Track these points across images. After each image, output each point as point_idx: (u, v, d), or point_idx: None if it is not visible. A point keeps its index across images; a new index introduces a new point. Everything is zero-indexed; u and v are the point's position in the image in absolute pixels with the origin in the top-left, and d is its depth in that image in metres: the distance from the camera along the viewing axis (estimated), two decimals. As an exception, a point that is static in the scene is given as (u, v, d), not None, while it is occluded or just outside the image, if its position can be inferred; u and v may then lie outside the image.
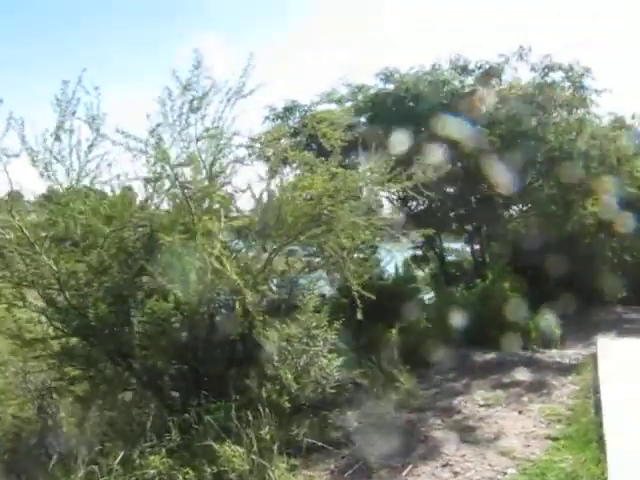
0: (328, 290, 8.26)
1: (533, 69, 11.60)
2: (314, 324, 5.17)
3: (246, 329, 4.88)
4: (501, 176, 11.40)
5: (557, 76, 11.31)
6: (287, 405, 4.61)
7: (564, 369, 7.20)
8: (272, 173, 5.42)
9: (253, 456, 4.02)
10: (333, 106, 12.38)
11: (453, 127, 11.26)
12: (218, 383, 5.17)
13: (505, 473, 4.29)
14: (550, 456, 4.50)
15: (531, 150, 10.89)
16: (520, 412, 5.57)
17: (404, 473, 4.30)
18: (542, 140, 10.89)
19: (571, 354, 8.24)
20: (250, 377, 5.01)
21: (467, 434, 5.02)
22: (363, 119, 11.76)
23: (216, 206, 5.24)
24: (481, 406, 5.75)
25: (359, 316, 5.08)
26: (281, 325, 4.92)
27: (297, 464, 4.31)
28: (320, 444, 4.45)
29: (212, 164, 5.54)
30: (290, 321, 5.10)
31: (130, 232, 5.25)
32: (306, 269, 6.49)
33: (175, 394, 5.11)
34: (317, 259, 6.45)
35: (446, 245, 14.33)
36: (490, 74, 11.76)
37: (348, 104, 12.15)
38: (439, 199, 12.56)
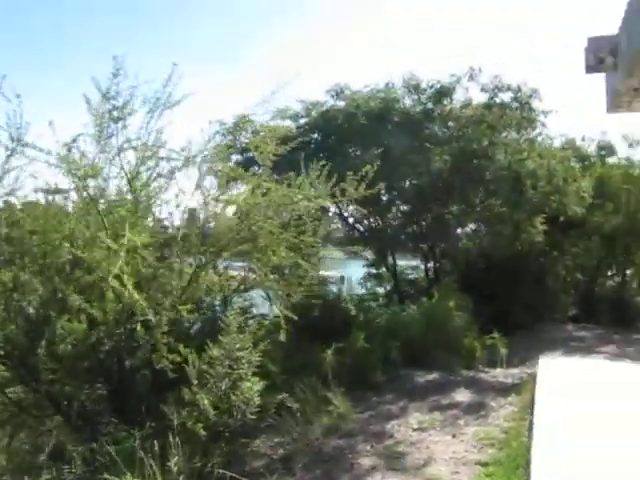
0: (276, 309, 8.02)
1: (483, 89, 11.72)
2: (237, 346, 4.91)
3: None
4: (452, 194, 11.47)
5: (506, 97, 11.46)
6: (202, 433, 4.32)
7: (505, 389, 7.09)
8: (196, 187, 5.17)
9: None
10: (288, 122, 12.29)
11: (404, 145, 11.31)
12: (134, 410, 4.89)
13: (431, 503, 4.10)
14: (477, 484, 4.33)
15: (481, 169, 10.95)
16: (454, 436, 5.40)
17: (322, 505, 4.06)
18: (491, 160, 10.96)
19: (515, 373, 8.16)
20: (168, 403, 4.70)
21: (396, 461, 4.81)
22: (315, 135, 11.71)
23: (131, 220, 4.96)
24: (415, 430, 5.56)
25: (282, 337, 4.85)
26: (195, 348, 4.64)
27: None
28: (232, 475, 4.14)
29: (134, 177, 5.31)
30: (212, 343, 4.83)
31: (52, 247, 4.98)
32: (242, 286, 6.31)
33: (84, 421, 4.76)
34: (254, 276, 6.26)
35: (404, 263, 14.26)
36: (441, 93, 11.83)
37: (302, 120, 12.08)
38: (394, 218, 12.63)
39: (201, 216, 5.25)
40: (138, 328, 4.03)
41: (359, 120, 11.13)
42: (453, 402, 6.50)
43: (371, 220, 12.10)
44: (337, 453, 4.96)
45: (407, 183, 11.58)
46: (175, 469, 3.91)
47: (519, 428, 5.45)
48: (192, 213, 5.21)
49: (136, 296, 3.92)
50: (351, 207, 12.46)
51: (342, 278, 14.68)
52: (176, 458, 3.98)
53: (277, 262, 5.38)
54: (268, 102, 5.88)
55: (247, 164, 11.58)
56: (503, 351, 8.87)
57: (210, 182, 5.56)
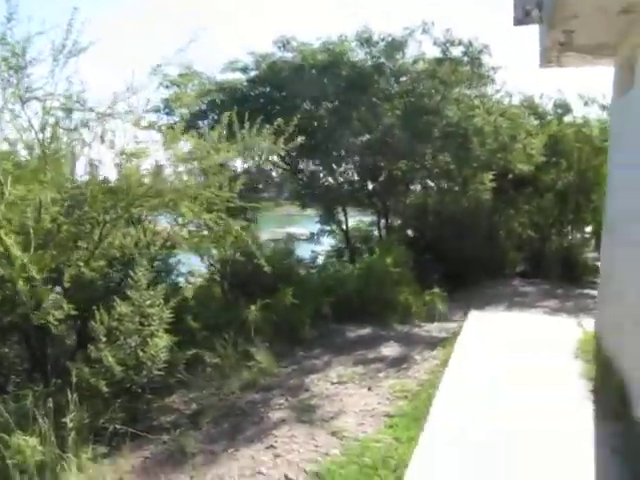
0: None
1: (436, 43, 11.50)
2: (148, 302, 4.85)
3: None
4: (401, 151, 11.38)
5: (457, 51, 11.26)
6: (104, 389, 4.30)
7: (434, 343, 7.22)
8: (100, 139, 4.97)
9: (48, 447, 3.71)
10: (238, 75, 11.94)
11: (353, 99, 11.11)
12: (42, 368, 4.84)
13: (327, 454, 4.18)
14: (378, 435, 4.43)
15: (430, 125, 10.85)
16: (369, 389, 5.50)
17: (221, 457, 4.11)
18: (440, 116, 10.86)
19: (450, 327, 8.28)
20: (76, 361, 4.64)
21: (306, 414, 4.88)
22: (264, 88, 11.43)
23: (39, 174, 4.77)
24: (333, 384, 5.64)
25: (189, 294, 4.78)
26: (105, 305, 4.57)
27: (105, 452, 4.01)
28: (128, 429, 4.15)
29: (42, 129, 5.09)
30: (121, 300, 4.76)
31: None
32: (167, 243, 6.20)
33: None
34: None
35: (365, 219, 14.21)
36: (393, 47, 11.56)
37: (253, 73, 11.75)
38: (343, 173, 12.52)
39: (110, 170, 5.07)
40: (20, 284, 3.91)
41: (306, 73, 10.89)
42: (379, 356, 6.60)
43: (321, 175, 12.00)
44: (250, 407, 5.02)
45: (357, 139, 11.44)
46: (70, 425, 3.88)
47: (434, 380, 5.56)
48: (91, 165, 5.01)
49: (15, 252, 3.79)
50: (301, 164, 12.40)
51: (313, 235, 14.63)
52: (72, 414, 3.94)
53: (191, 217, 5.27)
54: (184, 51, 5.50)
55: (196, 118, 11.41)
56: (441, 306, 9.05)
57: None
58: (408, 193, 12.15)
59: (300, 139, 11.83)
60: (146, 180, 4.93)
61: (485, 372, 5.38)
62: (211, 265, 7.51)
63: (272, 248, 8.04)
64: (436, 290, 9.52)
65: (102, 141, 4.97)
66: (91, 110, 5.21)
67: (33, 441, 3.71)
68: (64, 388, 4.30)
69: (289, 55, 11.05)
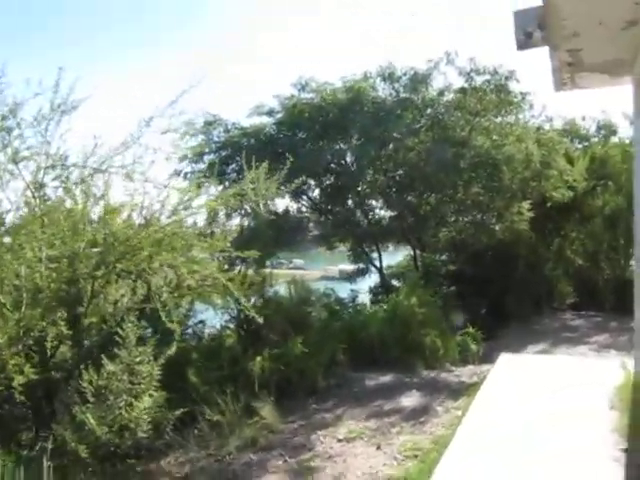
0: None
1: (460, 74, 11.23)
2: (138, 359, 4.68)
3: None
4: (429, 185, 11.03)
5: (482, 80, 10.92)
6: (84, 454, 4.11)
7: (461, 390, 6.68)
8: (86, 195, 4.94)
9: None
10: (264, 119, 12.04)
11: (378, 136, 10.91)
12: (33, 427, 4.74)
13: (316, 527, 3.79)
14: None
15: (457, 157, 10.47)
16: (378, 447, 5.06)
17: (200, 531, 3.80)
18: (468, 146, 10.46)
19: (484, 370, 7.71)
20: (61, 423, 4.51)
21: (304, 479, 4.51)
22: (285, 131, 11.44)
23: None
24: (340, 441, 5.24)
25: (170, 352, 4.58)
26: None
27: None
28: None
29: (37, 188, 5.14)
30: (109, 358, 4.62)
31: None
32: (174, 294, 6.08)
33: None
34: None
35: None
36: (417, 81, 11.36)
37: (278, 116, 11.81)
38: (372, 211, 12.24)
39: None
40: None
41: (327, 113, 10.82)
42: (396, 407, 6.14)
43: (351, 214, 11.75)
44: (243, 470, 4.70)
45: (383, 175, 11.19)
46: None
47: (450, 437, 5.06)
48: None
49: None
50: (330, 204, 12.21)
51: (341, 272, 14.21)
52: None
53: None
54: (176, 102, 5.47)
55: (222, 163, 11.53)
56: (474, 347, 8.48)
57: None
58: (440, 227, 11.66)
59: (328, 180, 11.75)
60: (132, 233, 4.83)
61: (499, 426, 4.84)
62: (226, 314, 7.32)
63: (288, 293, 7.76)
64: (470, 330, 8.98)
65: (88, 197, 4.93)
66: (83, 167, 5.24)
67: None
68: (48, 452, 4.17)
69: (309, 96, 11.03)
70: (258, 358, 5.98)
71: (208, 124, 11.56)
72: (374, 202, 11.84)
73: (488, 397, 5.67)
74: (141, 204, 5.09)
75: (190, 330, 6.75)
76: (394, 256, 15.22)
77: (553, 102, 30.18)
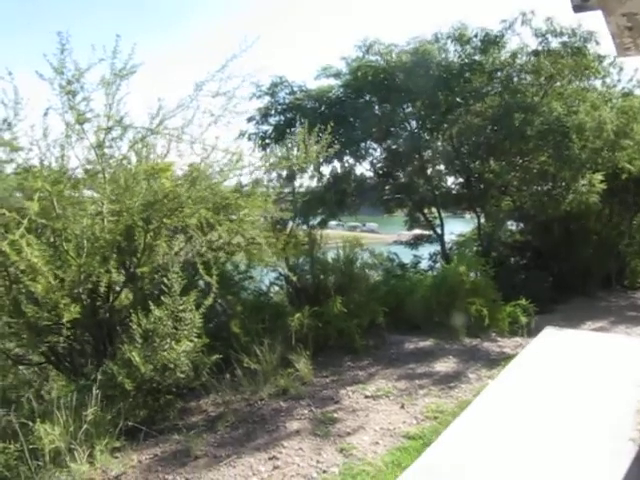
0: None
1: (536, 34, 10.67)
2: (181, 307, 5.12)
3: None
4: (494, 152, 10.73)
5: (559, 42, 10.32)
6: (129, 387, 4.62)
7: (499, 360, 6.71)
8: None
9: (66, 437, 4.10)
10: (332, 81, 12.10)
11: (442, 100, 10.69)
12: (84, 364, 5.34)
13: (325, 471, 4.10)
14: (384, 457, 4.24)
15: (524, 124, 10.08)
16: (402, 406, 5.26)
17: (222, 463, 4.22)
18: (538, 113, 10.02)
19: (530, 343, 7.66)
20: (113, 359, 5.05)
21: (324, 427, 4.82)
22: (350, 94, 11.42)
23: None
24: (366, 397, 5.49)
25: (207, 302, 4.96)
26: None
27: (121, 446, 4.33)
28: (139, 427, 4.42)
29: (99, 146, 5.59)
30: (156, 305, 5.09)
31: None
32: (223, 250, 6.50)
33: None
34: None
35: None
36: (488, 42, 10.93)
37: (346, 78, 11.82)
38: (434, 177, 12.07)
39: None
40: (39, 288, 4.36)
41: (391, 76, 10.70)
42: (430, 371, 6.29)
43: (413, 178, 11.67)
44: (271, 415, 5.07)
45: (446, 142, 10.99)
46: (88, 419, 4.23)
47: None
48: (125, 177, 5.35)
49: (34, 259, 4.22)
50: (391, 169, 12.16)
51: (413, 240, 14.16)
52: (93, 409, 4.30)
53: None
54: (226, 66, 5.70)
55: (286, 125, 11.78)
56: (523, 319, 8.38)
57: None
58: (503, 196, 11.34)
59: (391, 144, 11.67)
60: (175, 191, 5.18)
61: (520, 397, 4.88)
62: (278, 273, 7.66)
63: (339, 254, 7.95)
64: (522, 301, 8.84)
65: (142, 157, 5.34)
66: (140, 128, 5.63)
67: (53, 429, 4.12)
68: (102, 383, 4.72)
69: (373, 59, 10.92)
70: (297, 314, 6.29)
71: (274, 85, 11.77)
72: (437, 168, 11.68)
73: (519, 369, 5.69)
74: (189, 164, 5.44)
75: (243, 285, 7.14)
76: (470, 224, 14.94)
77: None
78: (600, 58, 10.06)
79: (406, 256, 13.11)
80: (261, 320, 6.40)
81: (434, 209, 12.28)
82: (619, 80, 11.99)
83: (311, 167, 11.95)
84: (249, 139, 11.42)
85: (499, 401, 4.82)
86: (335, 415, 5.06)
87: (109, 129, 5.55)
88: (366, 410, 5.19)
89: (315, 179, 12.20)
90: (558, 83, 10.73)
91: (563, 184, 10.36)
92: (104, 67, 5.52)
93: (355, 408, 5.23)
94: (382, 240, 22.89)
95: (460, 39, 11.03)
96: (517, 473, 3.64)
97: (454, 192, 11.93)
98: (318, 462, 4.23)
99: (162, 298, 5.09)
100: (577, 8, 5.47)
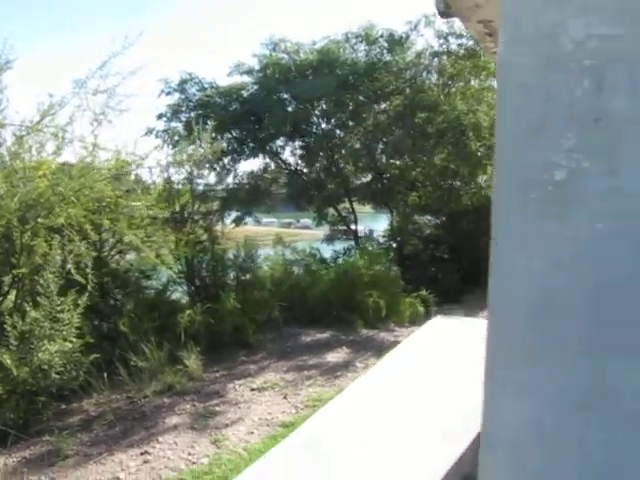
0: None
1: (438, 36, 11.16)
2: (59, 307, 5.07)
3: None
4: (399, 149, 11.13)
5: (457, 43, 10.85)
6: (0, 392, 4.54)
7: (390, 349, 6.99)
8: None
9: None
10: (245, 78, 12.15)
11: (347, 99, 10.98)
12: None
13: (194, 463, 4.20)
14: (255, 445, 4.39)
15: (426, 122, 10.53)
16: (285, 397, 5.43)
17: (91, 461, 4.23)
18: (437, 111, 10.49)
19: (426, 333, 8.02)
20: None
21: (203, 420, 4.91)
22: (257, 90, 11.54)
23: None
24: (252, 390, 5.62)
25: (81, 302, 4.95)
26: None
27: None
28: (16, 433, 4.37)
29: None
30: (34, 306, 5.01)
31: None
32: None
33: None
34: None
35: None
36: (393, 42, 11.32)
37: (258, 75, 11.90)
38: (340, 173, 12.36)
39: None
40: None
41: (299, 74, 10.89)
42: (320, 362, 6.49)
43: (320, 175, 11.93)
44: (152, 411, 5.11)
45: (352, 139, 11.31)
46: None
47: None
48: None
49: None
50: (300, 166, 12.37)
51: (371, 232, 14.47)
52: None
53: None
54: (107, 63, 5.65)
55: (197, 122, 11.70)
56: (421, 309, 8.77)
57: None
58: (409, 192, 11.79)
59: (300, 141, 11.86)
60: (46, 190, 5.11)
61: (389, 385, 5.13)
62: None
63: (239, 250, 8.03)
64: (423, 292, 9.27)
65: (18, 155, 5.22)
66: (18, 125, 5.50)
67: None
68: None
69: (280, 57, 11.08)
70: (188, 311, 6.34)
71: (183, 82, 11.71)
72: (344, 165, 11.99)
73: (399, 355, 5.96)
74: (62, 163, 5.38)
75: (140, 283, 7.11)
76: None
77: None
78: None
79: (328, 252, 13.40)
80: (154, 318, 6.40)
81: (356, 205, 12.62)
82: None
83: (225, 164, 12.01)
84: (157, 136, 11.32)
85: (371, 386, 5.04)
86: (217, 408, 5.17)
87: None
88: (249, 402, 5.32)
89: (231, 176, 12.25)
90: (461, 83, 11.26)
91: (464, 179, 10.89)
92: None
93: (239, 401, 5.35)
94: (315, 236, 23.11)
95: (367, 39, 11.38)
96: (366, 452, 3.86)
97: (365, 188, 12.26)
98: (189, 454, 4.32)
99: (38, 299, 5.03)
100: (443, 14, 5.81)
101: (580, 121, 1.41)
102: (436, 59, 11.09)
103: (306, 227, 41.82)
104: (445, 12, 5.79)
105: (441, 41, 10.99)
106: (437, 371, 5.38)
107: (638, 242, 1.30)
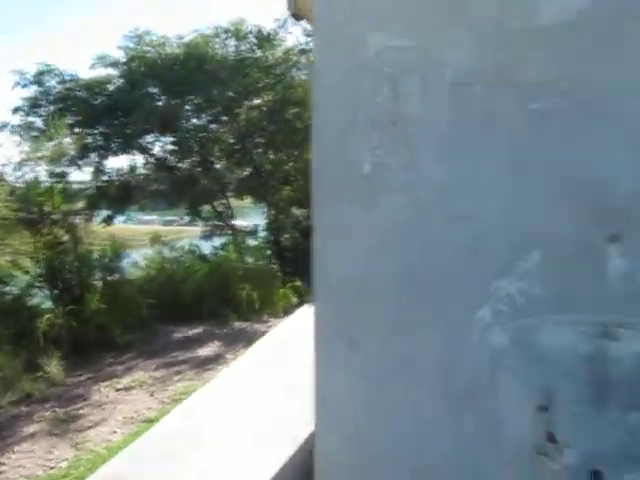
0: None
1: (306, 34, 11.48)
2: None
3: None
4: (270, 143, 11.35)
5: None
6: None
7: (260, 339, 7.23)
8: None
9: None
10: (110, 70, 11.66)
11: (218, 94, 10.99)
12: None
13: (53, 468, 4.13)
14: (118, 444, 4.40)
15: (295, 117, 10.86)
16: (152, 394, 5.46)
17: None
18: (305, 107, 10.84)
19: (299, 321, 8.35)
20: None
21: (64, 425, 4.82)
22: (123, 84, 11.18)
23: None
24: (118, 390, 5.58)
25: None
26: None
27: None
28: None
29: None
30: None
31: None
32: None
33: None
34: None
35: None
36: (263, 39, 11.49)
37: (124, 68, 11.47)
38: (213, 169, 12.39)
39: None
40: None
41: (166, 69, 10.71)
42: (191, 357, 6.57)
43: (194, 170, 11.84)
44: (9, 421, 4.92)
45: (225, 134, 11.36)
46: None
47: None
48: None
49: None
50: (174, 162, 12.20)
51: (256, 227, 14.43)
52: None
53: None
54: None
55: (60, 117, 11.08)
56: (294, 299, 9.10)
57: None
58: (284, 186, 12.08)
59: (170, 137, 11.67)
60: None
61: (253, 373, 5.36)
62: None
63: (105, 251, 7.82)
64: (296, 283, 9.60)
65: None
66: None
67: None
68: None
69: (146, 49, 10.83)
70: (47, 315, 6.11)
71: (40, 74, 11.03)
72: (218, 160, 12.01)
73: (265, 344, 6.21)
74: None
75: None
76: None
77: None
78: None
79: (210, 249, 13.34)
80: (9, 326, 6.08)
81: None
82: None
83: (91, 161, 11.53)
84: (12, 131, 10.57)
85: (235, 374, 5.23)
86: (80, 412, 5.08)
87: None
88: (114, 403, 5.28)
89: (98, 173, 11.77)
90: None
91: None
92: None
93: (103, 402, 5.30)
94: (192, 233, 22.73)
95: (237, 34, 11.44)
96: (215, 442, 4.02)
97: (242, 183, 12.36)
98: (48, 460, 4.24)
99: None
100: (294, 16, 6.10)
101: (381, 123, 1.69)
102: (304, 56, 11.41)
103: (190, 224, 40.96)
104: (296, 14, 6.13)
105: (309, 39, 11.33)
106: (298, 356, 5.69)
107: (433, 230, 1.60)
